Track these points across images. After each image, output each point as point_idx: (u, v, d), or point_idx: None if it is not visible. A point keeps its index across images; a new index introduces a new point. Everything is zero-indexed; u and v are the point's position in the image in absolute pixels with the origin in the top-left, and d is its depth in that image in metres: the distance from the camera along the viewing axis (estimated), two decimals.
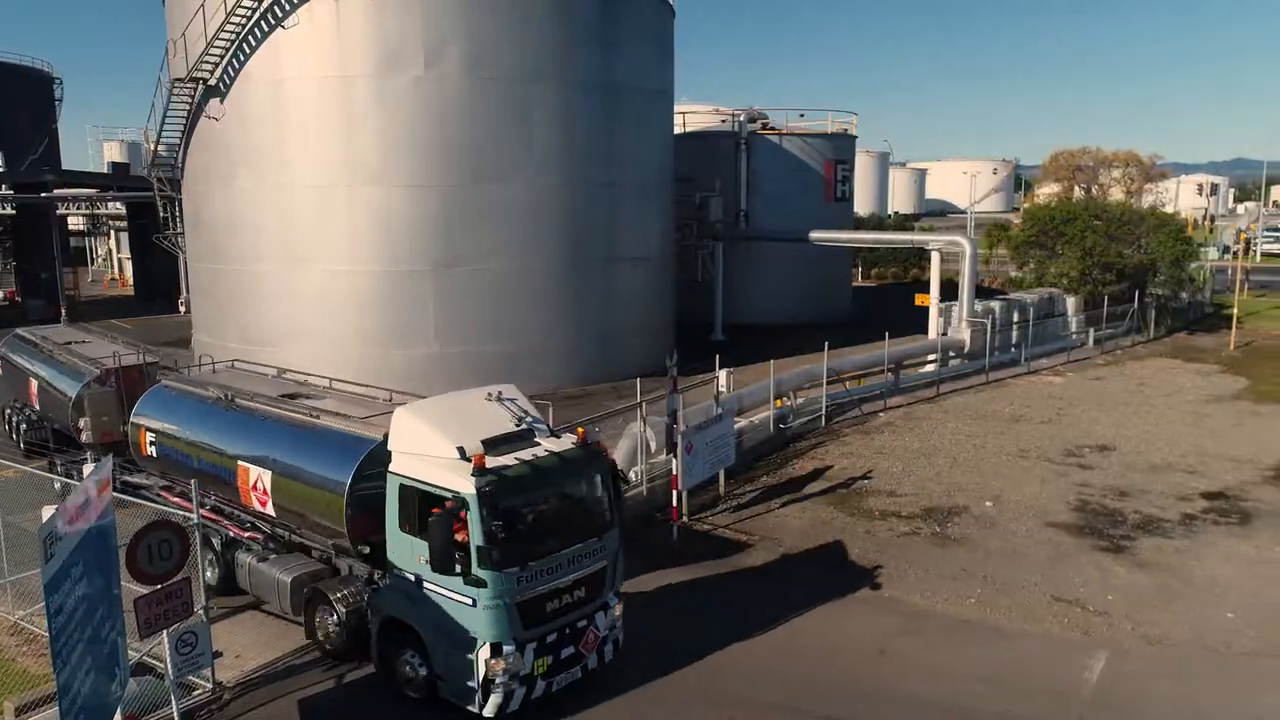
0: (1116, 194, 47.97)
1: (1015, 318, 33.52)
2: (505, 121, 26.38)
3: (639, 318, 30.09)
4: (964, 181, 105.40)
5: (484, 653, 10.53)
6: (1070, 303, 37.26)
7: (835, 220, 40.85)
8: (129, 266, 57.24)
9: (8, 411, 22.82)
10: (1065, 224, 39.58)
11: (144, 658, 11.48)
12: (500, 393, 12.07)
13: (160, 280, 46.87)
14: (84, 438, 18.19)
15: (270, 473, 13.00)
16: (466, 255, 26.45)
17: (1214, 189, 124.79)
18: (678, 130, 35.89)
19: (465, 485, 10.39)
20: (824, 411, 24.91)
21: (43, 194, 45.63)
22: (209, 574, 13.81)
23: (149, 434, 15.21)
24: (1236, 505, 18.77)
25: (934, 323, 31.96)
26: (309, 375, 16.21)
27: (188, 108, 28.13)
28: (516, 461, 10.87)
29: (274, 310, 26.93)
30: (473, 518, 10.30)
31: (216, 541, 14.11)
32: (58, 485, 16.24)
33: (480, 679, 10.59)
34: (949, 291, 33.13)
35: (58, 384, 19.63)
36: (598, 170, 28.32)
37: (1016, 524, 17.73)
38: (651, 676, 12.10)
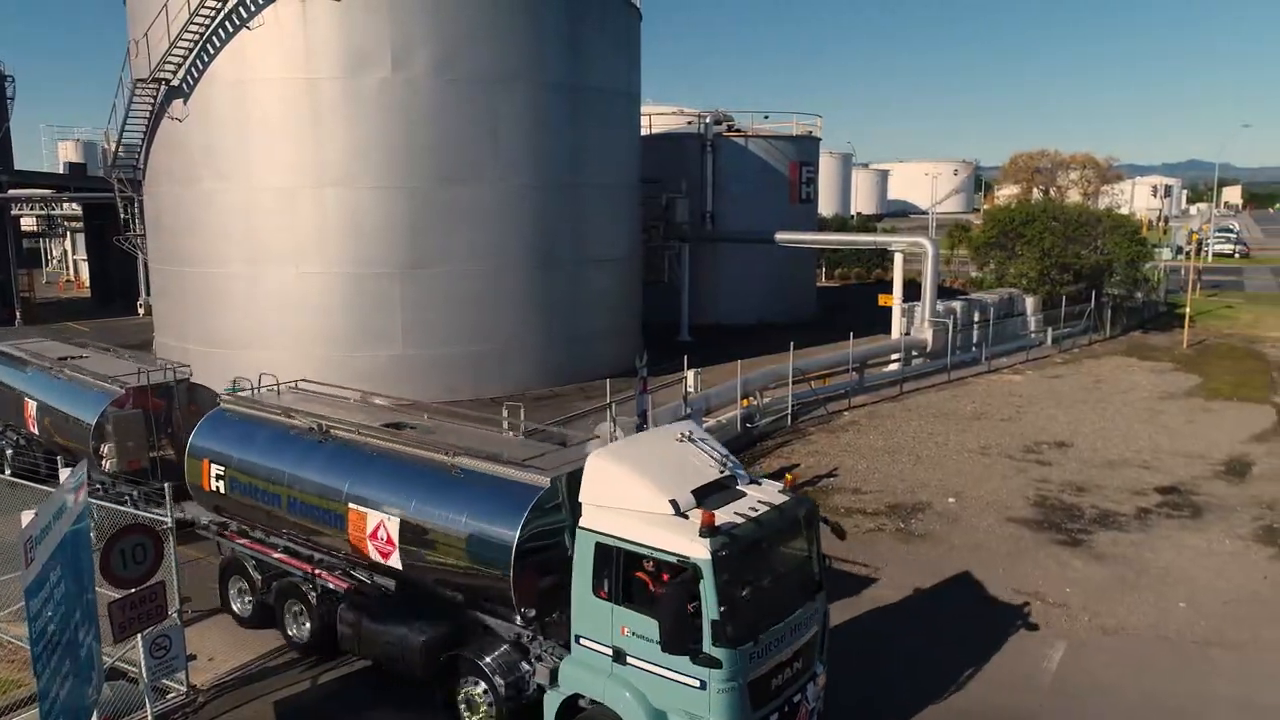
0: (1074, 196, 48.94)
1: (976, 317, 34.14)
2: (473, 123, 26.44)
3: (606, 319, 30.28)
4: (926, 183, 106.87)
5: None
6: (1029, 302, 38.01)
7: (800, 221, 41.29)
8: (85, 268, 56.34)
9: None
10: (1024, 225, 40.38)
11: (116, 662, 11.48)
12: (690, 433, 10.83)
13: (118, 282, 46.21)
14: (107, 466, 16.41)
15: (398, 520, 11.25)
16: (434, 257, 26.46)
17: (1167, 190, 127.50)
18: (644, 132, 36.12)
19: (696, 549, 8.95)
20: (790, 411, 25.27)
21: None
22: (294, 630, 12.83)
23: (214, 467, 13.34)
24: (1189, 499, 19.38)
25: (897, 323, 32.48)
26: (390, 398, 15.03)
27: (150, 108, 27.84)
28: (743, 519, 9.50)
29: (238, 312, 26.75)
30: (706, 587, 8.85)
31: (311, 593, 12.54)
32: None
33: None
34: (912, 292, 33.69)
35: (68, 406, 17.55)
36: (565, 172, 28.45)
37: (978, 519, 18.17)
38: None
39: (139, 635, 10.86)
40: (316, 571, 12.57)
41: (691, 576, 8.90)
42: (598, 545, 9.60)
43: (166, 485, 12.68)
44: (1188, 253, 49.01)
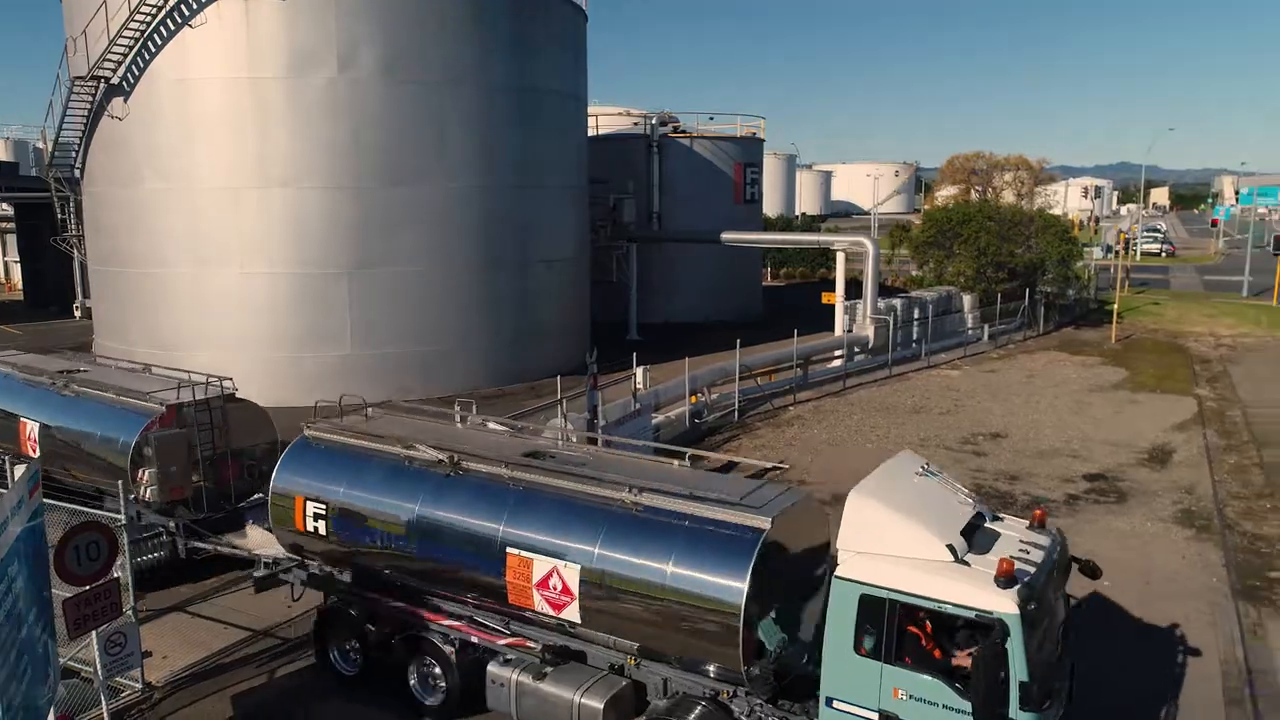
0: (1008, 196, 50.41)
1: (916, 315, 35.10)
2: (420, 124, 26.54)
3: (555, 318, 30.57)
4: (868, 184, 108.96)
5: None
6: (967, 300, 39.15)
7: (745, 221, 41.99)
8: (17, 270, 54.88)
9: None
10: (961, 225, 41.58)
11: (69, 661, 11.50)
12: (927, 465, 10.11)
13: (52, 285, 45.16)
14: (146, 496, 14.50)
15: (578, 568, 9.96)
16: (382, 257, 26.50)
17: (1098, 191, 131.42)
18: (591, 133, 36.46)
19: (1002, 603, 8.03)
20: (737, 406, 25.83)
21: None
22: (424, 690, 11.54)
23: (312, 505, 11.79)
24: (1114, 485, 20.31)
25: (840, 320, 33.28)
26: (504, 420, 13.91)
27: (88, 106, 27.42)
28: (1030, 565, 8.65)
29: (183, 314, 26.50)
30: (1015, 645, 7.94)
31: (449, 649, 11.16)
32: None
33: None
34: (854, 290, 34.52)
35: (91, 428, 15.44)
36: (513, 173, 28.67)
37: None
38: None
39: (93, 632, 10.92)
40: (457, 624, 11.13)
41: (1000, 634, 7.95)
42: (864, 598, 8.57)
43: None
44: (1117, 252, 50.78)
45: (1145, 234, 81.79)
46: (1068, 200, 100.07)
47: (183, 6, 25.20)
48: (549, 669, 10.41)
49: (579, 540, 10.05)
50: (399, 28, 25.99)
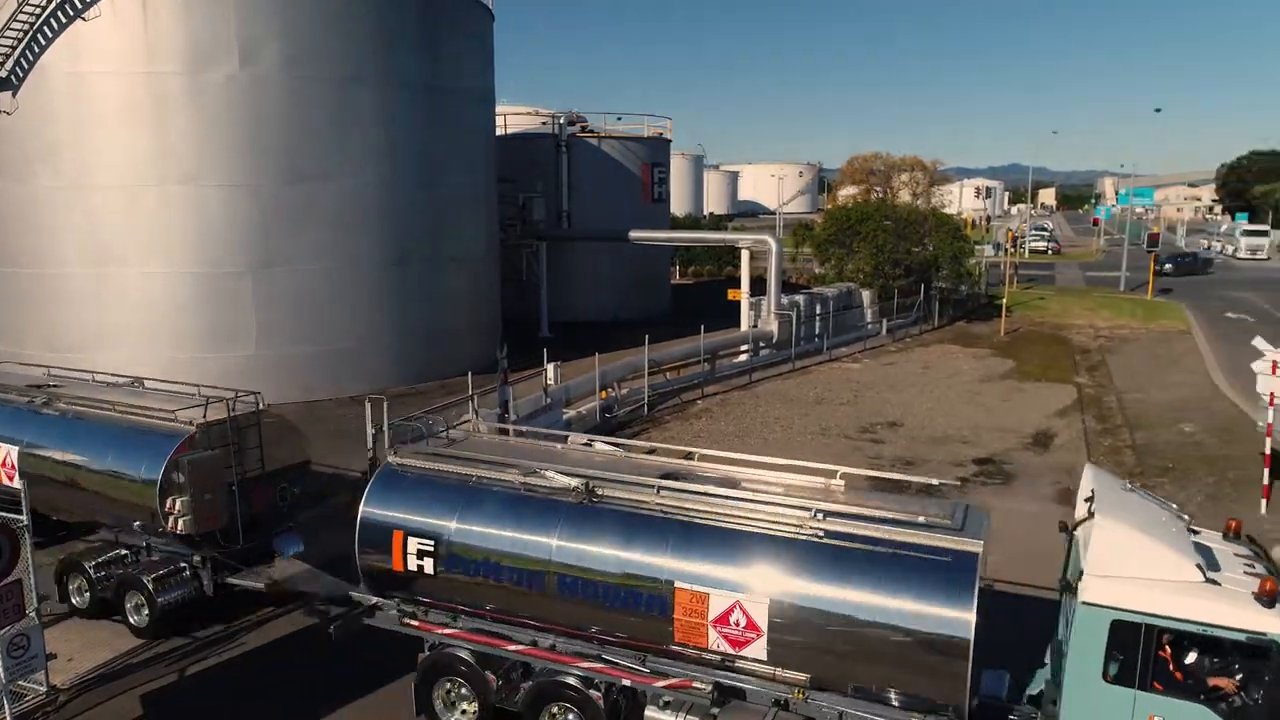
0: (905, 196, 52.35)
1: (818, 310, 36.32)
2: (325, 121, 26.35)
3: (466, 316, 30.66)
4: (773, 184, 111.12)
5: None
6: (866, 296, 40.62)
7: (653, 220, 42.67)
8: None
9: None
10: (860, 224, 43.10)
11: None
12: (1128, 483, 10.06)
13: None
14: (178, 529, 13.01)
15: (766, 602, 9.30)
16: (287, 256, 26.22)
17: (989, 192, 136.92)
18: (499, 132, 36.60)
19: (1273, 624, 7.89)
20: (646, 400, 26.43)
21: None
22: None
23: (415, 541, 10.65)
24: (1001, 468, 21.58)
25: (745, 316, 34.24)
26: (613, 440, 13.03)
27: None
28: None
29: (82, 314, 25.71)
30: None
31: (593, 693, 10.27)
32: None
33: None
34: (759, 287, 35.52)
35: (97, 451, 13.78)
36: (420, 170, 28.67)
37: None
38: None
39: None
40: (601, 667, 10.22)
41: (1276, 656, 7.86)
42: (1116, 623, 8.32)
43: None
44: (1007, 249, 53.20)
45: (1033, 232, 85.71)
46: (962, 200, 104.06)
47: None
48: (716, 709, 9.78)
49: (765, 571, 9.40)
50: (301, 23, 25.75)
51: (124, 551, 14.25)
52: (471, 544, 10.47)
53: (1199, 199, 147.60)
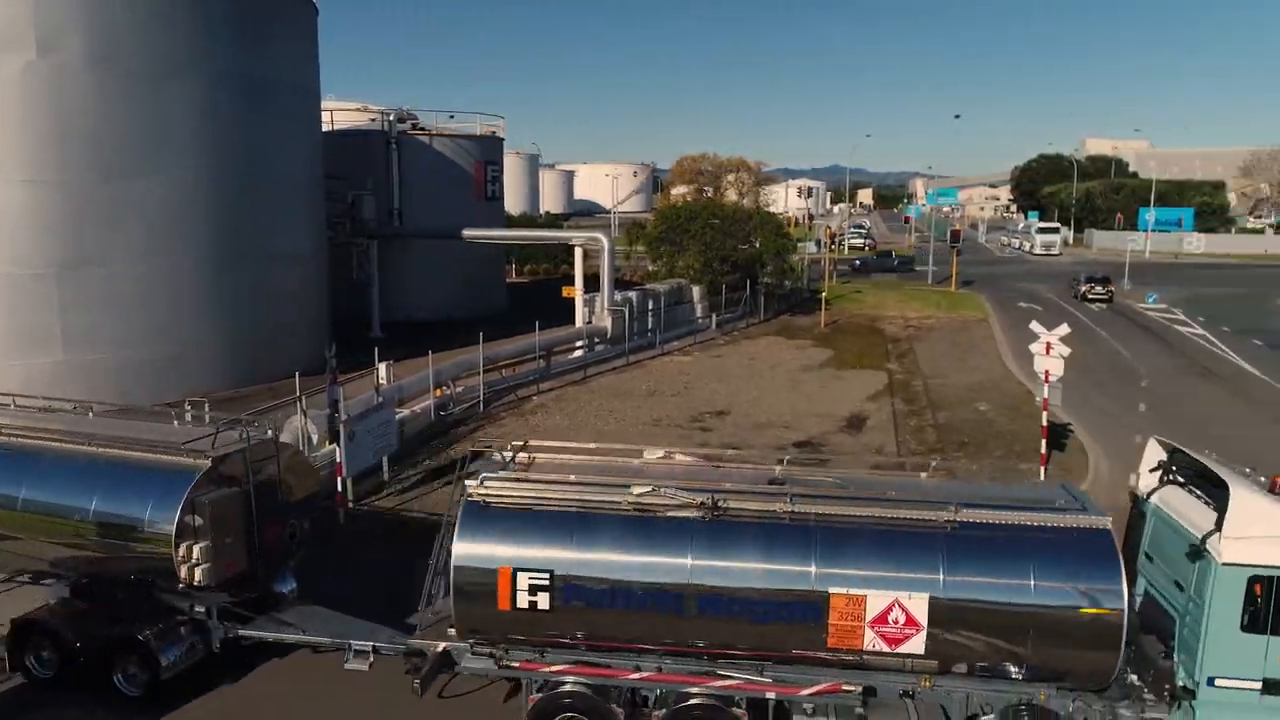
0: (731, 195, 54.48)
1: (650, 306, 37.47)
2: (137, 114, 25.09)
3: (294, 316, 29.88)
4: (608, 183, 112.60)
5: None
6: (696, 291, 42.17)
7: (487, 219, 42.69)
8: None
9: None
10: (689, 222, 44.67)
11: None
12: (1207, 452, 10.99)
13: None
14: (197, 579, 11.20)
15: (925, 596, 9.66)
16: (98, 255, 24.83)
17: (811, 192, 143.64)
18: (326, 128, 35.78)
19: None
20: (482, 398, 26.63)
21: None
22: None
23: (526, 576, 10.06)
24: (818, 450, 23.11)
25: (579, 313, 34.91)
26: (690, 451, 12.53)
27: None
28: None
29: None
30: None
31: (736, 710, 10.23)
32: None
33: None
34: (594, 284, 36.27)
35: (79, 491, 11.65)
36: (242, 166, 27.75)
37: None
38: None
39: None
40: (739, 684, 10.17)
41: None
42: (1253, 579, 9.50)
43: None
44: (827, 246, 56.32)
45: (852, 230, 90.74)
46: (787, 200, 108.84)
47: None
48: (860, 708, 10.06)
49: (918, 568, 9.72)
50: (108, 11, 24.42)
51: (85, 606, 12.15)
52: (595, 573, 10.03)
53: (998, 198, 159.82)
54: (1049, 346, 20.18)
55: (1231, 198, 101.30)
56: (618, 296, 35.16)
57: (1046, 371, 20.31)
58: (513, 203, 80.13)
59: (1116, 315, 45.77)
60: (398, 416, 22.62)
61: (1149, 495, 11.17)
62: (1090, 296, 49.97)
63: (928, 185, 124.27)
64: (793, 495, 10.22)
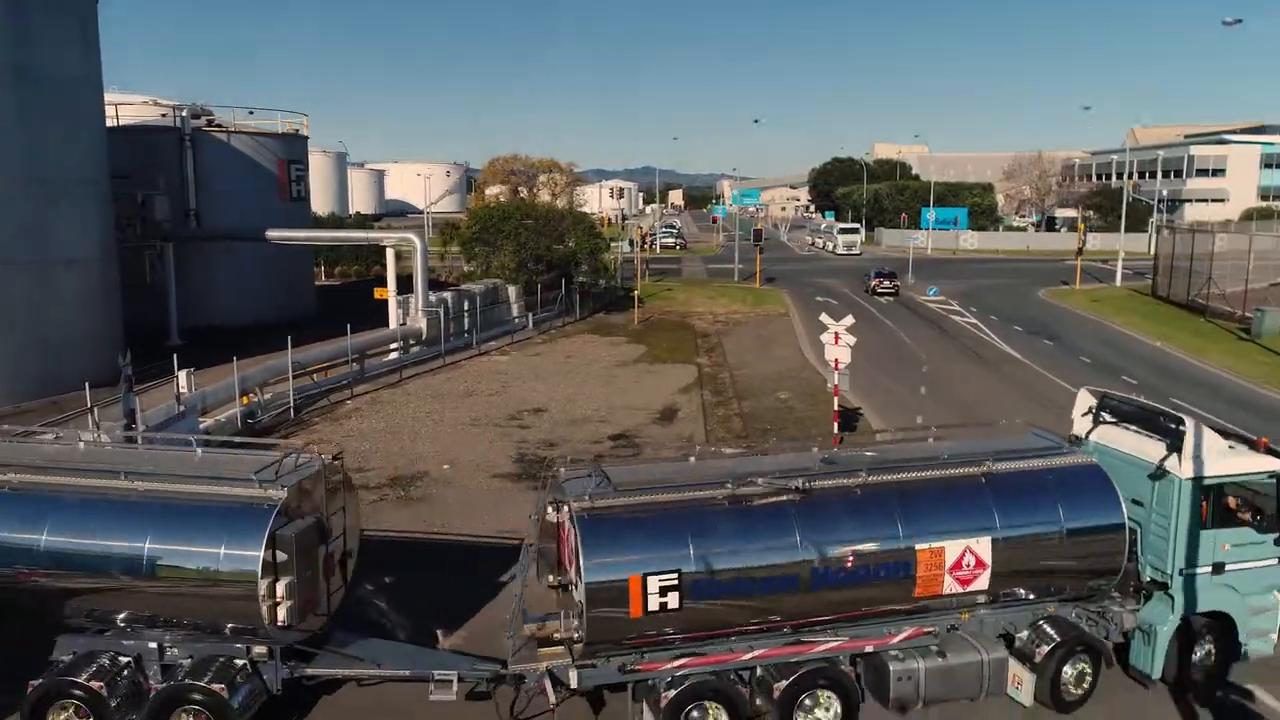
0: (545, 196, 55.09)
1: (466, 307, 37.51)
2: None
3: (80, 325, 28.02)
4: (420, 183, 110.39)
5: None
6: (512, 291, 42.51)
7: (292, 219, 41.30)
8: None
9: None
10: (503, 222, 44.95)
11: None
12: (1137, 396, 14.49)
13: None
14: (280, 618, 10.41)
15: (989, 539, 11.21)
16: None
17: (623, 193, 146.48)
18: (111, 123, 33.64)
19: (1276, 463, 12.08)
20: (292, 404, 25.99)
21: None
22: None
23: (655, 580, 10.34)
24: (632, 441, 24.08)
25: (394, 314, 34.52)
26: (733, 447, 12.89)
27: None
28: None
29: None
30: None
31: (846, 668, 11.30)
32: None
33: None
34: (408, 286, 35.94)
35: (137, 534, 10.44)
36: (14, 165, 25.82)
37: (470, 479, 20.89)
38: None
39: None
40: (842, 644, 11.23)
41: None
42: (1206, 488, 11.80)
43: None
44: (639, 245, 57.93)
45: (664, 230, 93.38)
46: (600, 200, 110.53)
47: None
48: (936, 646, 11.40)
49: (979, 517, 11.29)
50: None
51: (126, 659, 10.85)
52: (720, 566, 10.54)
53: (798, 199, 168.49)
54: (837, 336, 21.95)
55: (999, 198, 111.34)
56: (433, 298, 35.02)
57: (836, 359, 22.08)
58: (320, 203, 77.44)
59: (902, 307, 49.65)
60: (202, 425, 21.85)
61: (1088, 435, 13.42)
62: (879, 291, 53.89)
63: (734, 186, 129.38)
64: (868, 468, 11.47)
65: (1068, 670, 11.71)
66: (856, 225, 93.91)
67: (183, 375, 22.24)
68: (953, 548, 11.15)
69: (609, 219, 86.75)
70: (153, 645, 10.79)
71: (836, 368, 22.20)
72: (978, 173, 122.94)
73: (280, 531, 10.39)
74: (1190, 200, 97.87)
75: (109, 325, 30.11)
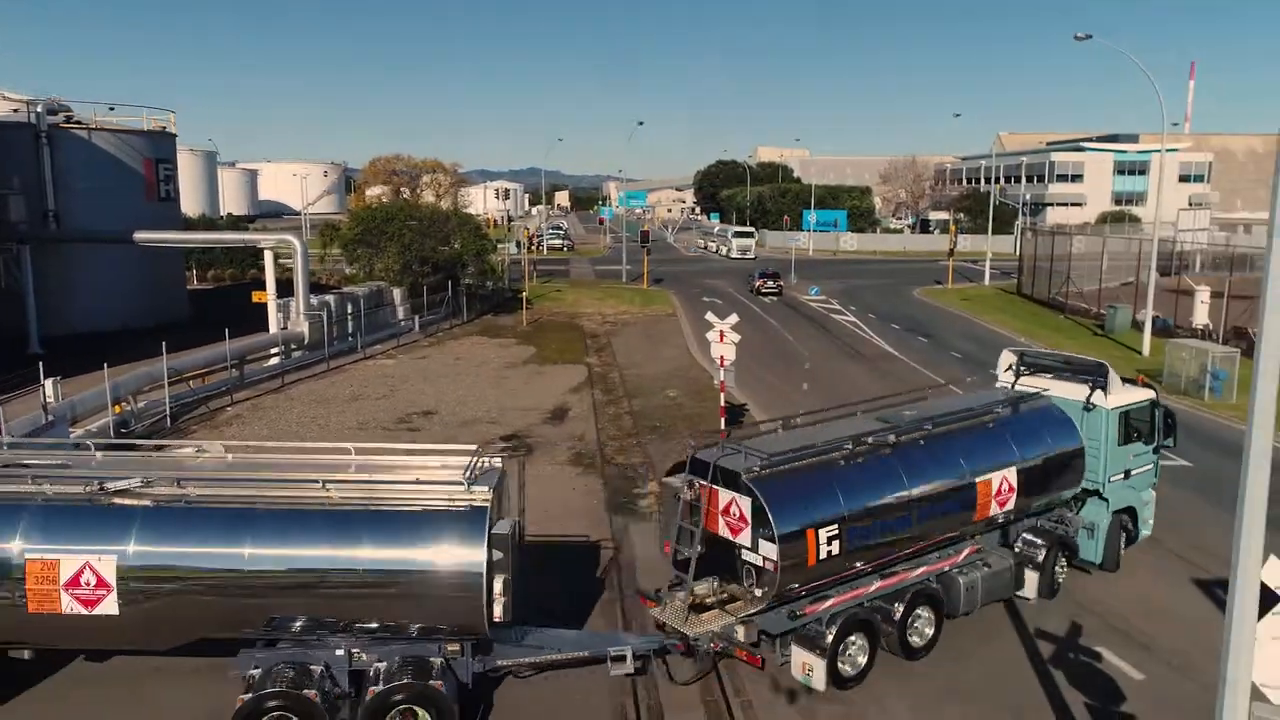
0: (428, 196, 54.31)
1: (349, 309, 36.70)
2: None
3: None
4: (296, 183, 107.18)
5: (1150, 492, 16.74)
6: (397, 293, 41.82)
7: (161, 220, 39.64)
8: None
9: None
10: (386, 223, 44.12)
11: None
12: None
13: None
14: (497, 615, 11.18)
15: (1014, 469, 14.17)
16: None
17: (509, 194, 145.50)
18: None
19: (1150, 392, 16.49)
20: (169, 412, 25.03)
21: None
22: (916, 638, 13.26)
23: (823, 532, 12.05)
24: (524, 441, 24.14)
25: (274, 318, 33.55)
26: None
27: None
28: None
29: None
30: (1159, 410, 16.57)
31: (935, 586, 13.54)
32: None
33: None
34: (288, 289, 34.95)
35: (349, 543, 10.84)
36: None
37: None
38: None
39: None
40: (930, 567, 13.58)
41: (1158, 407, 16.48)
42: (1121, 415, 15.66)
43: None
44: (526, 247, 57.74)
45: (551, 231, 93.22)
46: (485, 201, 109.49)
47: None
48: (981, 559, 14.23)
49: (1006, 454, 14.24)
50: None
51: (317, 666, 10.96)
52: (865, 513, 12.53)
53: (684, 200, 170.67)
54: (722, 334, 22.52)
55: (877, 201, 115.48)
56: (314, 301, 34.19)
57: (721, 357, 22.65)
58: (190, 204, 74.29)
59: (784, 306, 51.05)
60: (72, 436, 20.83)
61: (1013, 387, 16.56)
62: (763, 291, 55.22)
63: (620, 188, 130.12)
64: (934, 420, 14.09)
65: (1057, 567, 14.93)
66: (751, 229, 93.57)
67: (49, 384, 21.18)
68: (995, 478, 13.99)
69: (495, 220, 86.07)
70: (340, 652, 11.00)
71: (722, 365, 22.78)
72: (856, 176, 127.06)
73: (496, 531, 10.96)
74: (1052, 204, 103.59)
75: None
